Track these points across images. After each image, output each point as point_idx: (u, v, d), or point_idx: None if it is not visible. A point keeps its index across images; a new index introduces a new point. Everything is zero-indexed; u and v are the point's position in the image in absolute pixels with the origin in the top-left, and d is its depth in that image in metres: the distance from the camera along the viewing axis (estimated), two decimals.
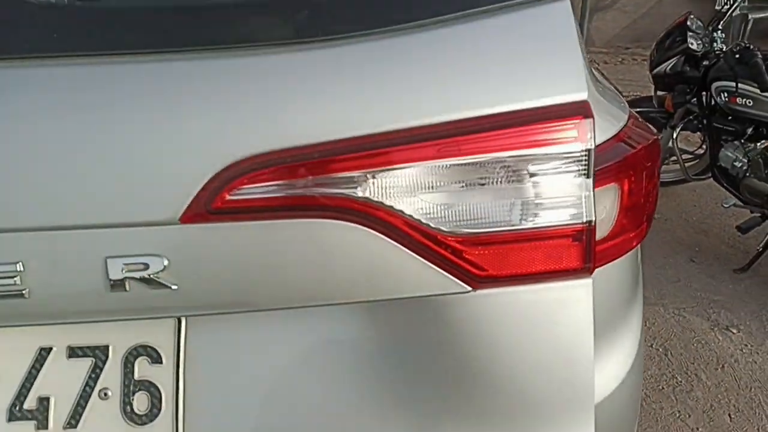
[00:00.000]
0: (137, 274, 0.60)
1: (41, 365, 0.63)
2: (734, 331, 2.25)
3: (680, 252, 2.77)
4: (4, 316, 0.61)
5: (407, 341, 0.68)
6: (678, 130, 2.85)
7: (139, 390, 0.65)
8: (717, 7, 2.86)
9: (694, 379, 2.01)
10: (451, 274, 0.64)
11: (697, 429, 1.81)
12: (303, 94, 0.61)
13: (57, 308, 0.61)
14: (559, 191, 0.65)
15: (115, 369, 0.65)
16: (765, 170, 2.48)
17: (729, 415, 1.87)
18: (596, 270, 0.70)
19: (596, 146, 0.67)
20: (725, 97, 2.53)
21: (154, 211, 0.59)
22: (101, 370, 0.64)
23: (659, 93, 2.93)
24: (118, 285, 0.60)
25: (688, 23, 2.70)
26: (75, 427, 0.63)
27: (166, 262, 0.60)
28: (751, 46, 2.51)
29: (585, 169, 0.64)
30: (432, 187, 0.63)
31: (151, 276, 0.60)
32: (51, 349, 0.64)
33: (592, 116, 0.64)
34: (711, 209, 3.09)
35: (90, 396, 0.64)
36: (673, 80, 2.76)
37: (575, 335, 0.68)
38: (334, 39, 0.62)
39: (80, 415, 0.64)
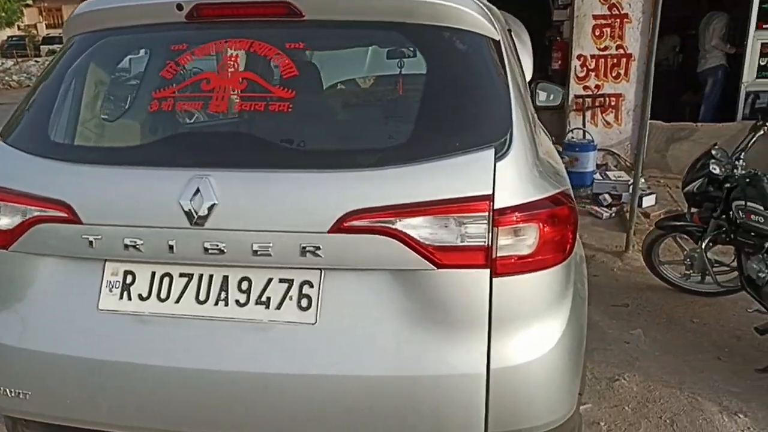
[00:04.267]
0: (309, 250, 1.47)
1: (268, 284, 1.54)
2: (741, 416, 2.53)
3: (710, 351, 3.09)
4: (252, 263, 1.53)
5: (408, 289, 1.50)
6: (706, 242, 3.25)
7: (304, 298, 1.53)
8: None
9: None
10: (427, 260, 1.47)
11: None
12: (375, 187, 1.47)
13: (280, 260, 1.51)
14: (474, 231, 1.45)
15: (295, 288, 1.54)
16: None
17: None
18: (529, 274, 1.49)
19: (528, 202, 1.47)
20: (742, 215, 2.94)
21: (317, 227, 1.47)
22: (290, 288, 1.53)
23: (692, 210, 3.37)
24: (302, 254, 1.48)
25: (713, 152, 3.19)
26: (279, 308, 1.53)
27: (321, 247, 1.47)
28: (759, 173, 2.96)
29: (488, 221, 1.45)
30: (423, 227, 1.46)
31: (315, 252, 1.47)
32: (272, 279, 1.54)
33: (493, 201, 1.43)
34: (749, 318, 3.30)
35: (285, 298, 1.54)
36: (699, 198, 3.22)
37: (472, 301, 1.48)
38: (384, 166, 1.49)
39: (281, 304, 1.53)
